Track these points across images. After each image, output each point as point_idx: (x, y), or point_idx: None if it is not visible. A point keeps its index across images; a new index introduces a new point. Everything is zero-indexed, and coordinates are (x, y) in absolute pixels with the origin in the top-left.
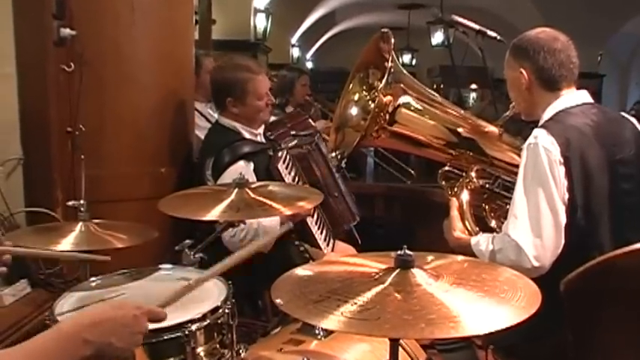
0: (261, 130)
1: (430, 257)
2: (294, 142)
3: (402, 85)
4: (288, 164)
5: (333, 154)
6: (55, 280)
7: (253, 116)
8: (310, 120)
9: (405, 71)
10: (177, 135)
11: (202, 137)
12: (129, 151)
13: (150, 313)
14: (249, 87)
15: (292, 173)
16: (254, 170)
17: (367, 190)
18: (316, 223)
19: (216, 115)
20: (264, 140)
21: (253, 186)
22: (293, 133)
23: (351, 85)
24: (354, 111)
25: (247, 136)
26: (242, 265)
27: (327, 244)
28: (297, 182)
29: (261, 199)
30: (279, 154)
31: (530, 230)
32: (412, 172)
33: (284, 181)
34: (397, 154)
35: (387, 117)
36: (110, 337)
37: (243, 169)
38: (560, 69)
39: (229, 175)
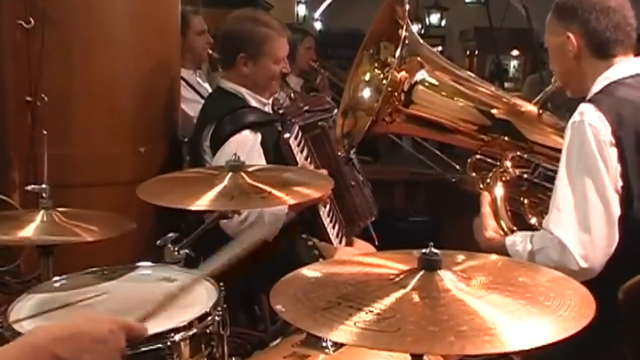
0: (269, 102)
1: (460, 257)
2: (306, 120)
3: (418, 59)
4: (300, 142)
5: (341, 144)
6: (10, 279)
7: (264, 82)
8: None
9: (422, 41)
10: (160, 108)
11: (189, 112)
12: (102, 126)
13: (128, 329)
14: (267, 46)
15: (304, 153)
16: (262, 144)
17: (385, 177)
18: (328, 216)
19: (206, 85)
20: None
21: (250, 169)
22: (306, 108)
23: (359, 66)
24: (366, 93)
25: (254, 104)
26: (237, 263)
27: (339, 240)
28: (311, 164)
29: (259, 185)
30: (291, 128)
31: (576, 225)
32: (457, 167)
33: (295, 160)
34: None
35: (402, 97)
36: (83, 353)
37: (249, 140)
38: (615, 32)
39: (232, 147)
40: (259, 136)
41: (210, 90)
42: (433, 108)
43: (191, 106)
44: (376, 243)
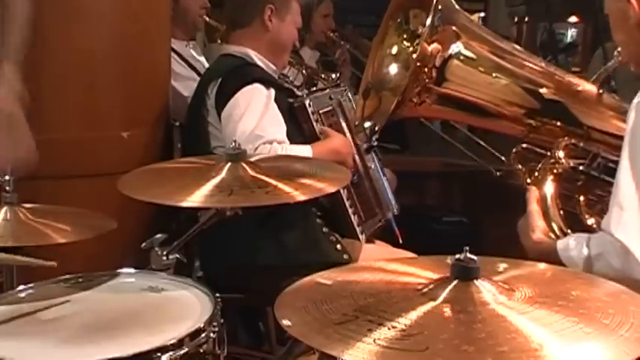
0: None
1: (502, 265)
2: (319, 92)
3: (453, 28)
4: (314, 114)
5: (361, 128)
6: None
7: (284, 44)
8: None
9: (458, 7)
10: (146, 86)
11: (182, 91)
12: (76, 107)
13: None
14: (294, 5)
15: (318, 127)
16: (275, 98)
17: (415, 168)
18: (351, 206)
19: (202, 59)
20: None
21: (253, 159)
22: (314, 88)
23: (385, 37)
24: (392, 69)
25: (262, 66)
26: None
27: (362, 234)
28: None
29: (263, 177)
30: (304, 101)
31: None
32: (504, 159)
33: (313, 126)
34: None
35: (434, 73)
36: None
37: (262, 93)
38: None
39: (245, 98)
40: (273, 92)
41: (207, 65)
42: (470, 87)
43: (184, 84)
44: (400, 241)
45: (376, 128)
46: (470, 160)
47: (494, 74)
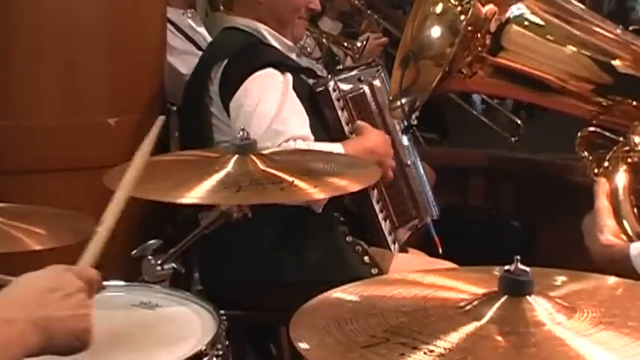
0: (295, 49)
1: (561, 277)
2: (345, 72)
3: None
4: (339, 99)
5: (398, 103)
6: None
7: (285, 14)
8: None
9: None
10: (136, 63)
11: (179, 67)
12: (55, 89)
13: (76, 271)
14: None
15: (344, 117)
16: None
17: (457, 162)
18: (380, 210)
19: (201, 30)
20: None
21: (265, 151)
22: (340, 67)
23: None
24: (434, 32)
25: (275, 44)
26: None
27: (394, 243)
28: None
29: (276, 172)
30: (328, 84)
31: None
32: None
33: (338, 116)
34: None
35: (488, 40)
36: (41, 309)
37: (277, 79)
38: None
39: (257, 85)
40: (290, 77)
41: (209, 38)
42: (531, 57)
43: (182, 60)
44: (440, 250)
45: (417, 104)
46: (521, 151)
47: (560, 43)
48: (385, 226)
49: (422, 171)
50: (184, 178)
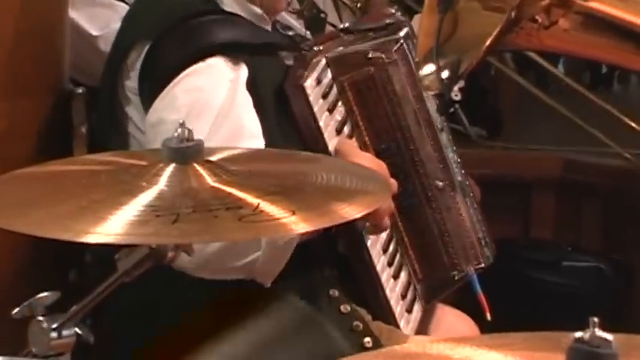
0: (269, 20)
1: None
2: (343, 48)
3: None
4: (327, 90)
5: (430, 67)
6: None
7: None
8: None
9: None
10: (25, 22)
11: (88, 28)
12: None
13: None
14: None
15: (336, 114)
16: (252, 88)
17: (515, 172)
18: (385, 256)
19: None
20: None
21: (218, 156)
22: (344, 26)
23: None
24: None
25: (239, 12)
26: None
27: (409, 312)
28: (344, 136)
29: (232, 190)
30: (309, 63)
31: None
32: None
33: (315, 123)
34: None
35: None
36: None
37: (222, 77)
38: None
39: (185, 95)
40: (244, 69)
41: None
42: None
43: (90, 15)
44: (488, 316)
45: (462, 69)
46: (612, 156)
47: None
48: (389, 282)
49: (468, 196)
50: (93, 201)
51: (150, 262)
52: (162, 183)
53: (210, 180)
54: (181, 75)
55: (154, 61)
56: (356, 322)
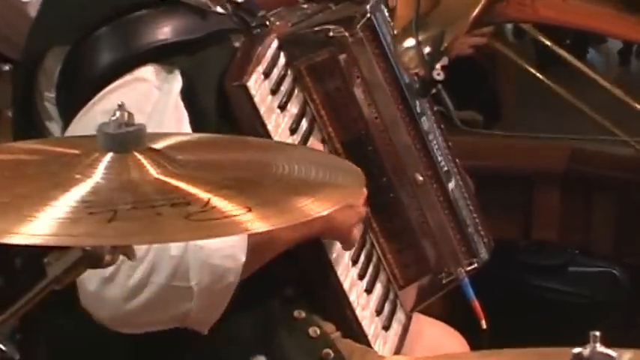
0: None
1: None
2: (299, 24)
3: None
4: (280, 82)
5: (410, 42)
6: None
7: None
8: None
9: None
10: None
11: None
12: None
13: None
14: None
15: (293, 107)
16: (189, 97)
17: (515, 163)
18: (355, 265)
19: None
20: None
21: (161, 144)
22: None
23: None
24: None
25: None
26: None
27: (387, 329)
28: (305, 135)
29: (180, 184)
30: (260, 46)
31: None
32: None
33: (263, 129)
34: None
35: None
36: None
37: (154, 91)
38: None
39: (107, 112)
40: (178, 79)
41: None
42: None
43: None
44: (483, 324)
45: (444, 43)
46: (625, 145)
47: None
48: (356, 294)
49: (463, 187)
50: (17, 195)
51: (83, 266)
52: (97, 175)
53: (153, 171)
54: (104, 91)
55: (73, 70)
56: (326, 350)
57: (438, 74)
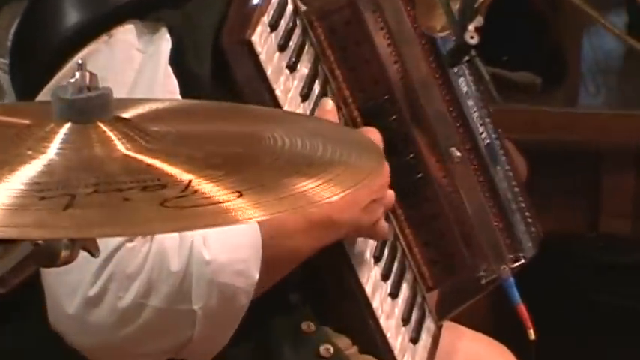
0: None
1: None
2: None
3: None
4: (288, 37)
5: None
6: None
7: None
8: None
9: None
10: None
11: None
12: None
13: None
14: None
15: (301, 66)
16: (179, 60)
17: (580, 139)
18: (383, 277)
19: None
20: None
21: (138, 110)
22: None
23: None
24: None
25: None
26: None
27: (415, 341)
28: (314, 101)
29: (154, 162)
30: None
31: None
32: None
33: (270, 94)
34: None
35: None
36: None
37: (132, 53)
38: None
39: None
40: (167, 38)
41: None
42: None
43: None
44: (531, 334)
45: (479, 3)
46: None
47: None
48: (388, 313)
49: (505, 163)
50: None
51: (34, 264)
52: (52, 151)
53: (121, 146)
54: (74, 59)
55: (32, 31)
56: None
57: (472, 37)
